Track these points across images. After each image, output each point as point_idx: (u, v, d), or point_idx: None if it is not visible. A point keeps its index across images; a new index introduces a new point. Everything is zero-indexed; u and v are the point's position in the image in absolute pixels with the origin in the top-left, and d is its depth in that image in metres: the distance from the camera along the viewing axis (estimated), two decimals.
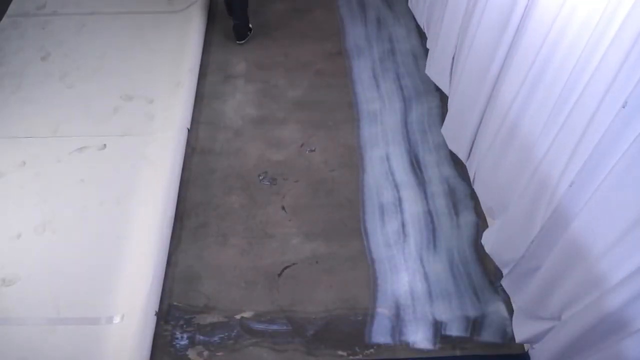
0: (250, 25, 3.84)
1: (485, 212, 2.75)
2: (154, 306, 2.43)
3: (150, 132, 3.08)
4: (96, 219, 2.67)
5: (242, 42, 3.80)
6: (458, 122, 2.88)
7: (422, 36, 3.79)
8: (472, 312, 2.47)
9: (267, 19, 4.02)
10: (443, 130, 3.12)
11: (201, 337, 2.41)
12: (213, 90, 3.49)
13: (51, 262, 2.51)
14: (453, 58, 3.06)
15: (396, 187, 2.95)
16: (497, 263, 2.52)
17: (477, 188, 2.79)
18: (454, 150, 3.02)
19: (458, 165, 3.02)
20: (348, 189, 2.95)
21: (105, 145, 3.01)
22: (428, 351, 2.36)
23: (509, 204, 2.34)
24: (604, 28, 1.62)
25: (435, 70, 3.33)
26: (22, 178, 2.84)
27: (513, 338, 2.34)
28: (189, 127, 3.22)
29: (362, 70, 3.60)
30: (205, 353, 2.36)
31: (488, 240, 2.58)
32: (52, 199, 2.75)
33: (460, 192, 2.92)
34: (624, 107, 1.48)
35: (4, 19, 3.83)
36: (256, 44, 3.81)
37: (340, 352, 2.36)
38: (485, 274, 2.59)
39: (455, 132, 2.97)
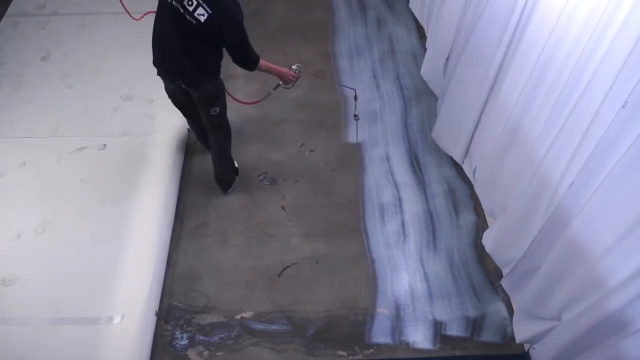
0: (237, 165, 2.98)
1: (485, 211, 2.75)
2: (154, 306, 2.43)
3: (150, 132, 3.07)
4: (96, 219, 2.67)
5: (230, 190, 2.93)
6: (453, 123, 2.87)
7: (422, 36, 3.79)
8: (472, 312, 2.47)
9: (267, 18, 4.02)
10: (433, 134, 3.09)
11: (201, 337, 2.40)
12: None
13: (51, 262, 2.51)
14: (447, 59, 3.04)
15: (396, 187, 2.95)
16: (497, 263, 2.52)
17: (478, 188, 2.79)
18: (448, 152, 3.01)
19: (458, 165, 3.01)
20: (348, 189, 2.95)
21: (105, 145, 3.01)
22: (428, 351, 2.36)
23: (510, 204, 2.34)
24: (604, 29, 1.62)
25: (431, 71, 3.32)
26: (22, 178, 2.84)
27: (513, 338, 2.34)
28: (189, 127, 3.21)
29: (362, 71, 3.60)
30: (205, 353, 2.36)
31: (488, 239, 2.57)
32: (52, 199, 2.75)
33: (460, 192, 2.92)
34: (624, 107, 1.48)
35: (4, 19, 3.83)
36: (256, 45, 3.80)
37: (340, 352, 2.36)
38: (485, 274, 2.59)
39: (448, 134, 2.96)
